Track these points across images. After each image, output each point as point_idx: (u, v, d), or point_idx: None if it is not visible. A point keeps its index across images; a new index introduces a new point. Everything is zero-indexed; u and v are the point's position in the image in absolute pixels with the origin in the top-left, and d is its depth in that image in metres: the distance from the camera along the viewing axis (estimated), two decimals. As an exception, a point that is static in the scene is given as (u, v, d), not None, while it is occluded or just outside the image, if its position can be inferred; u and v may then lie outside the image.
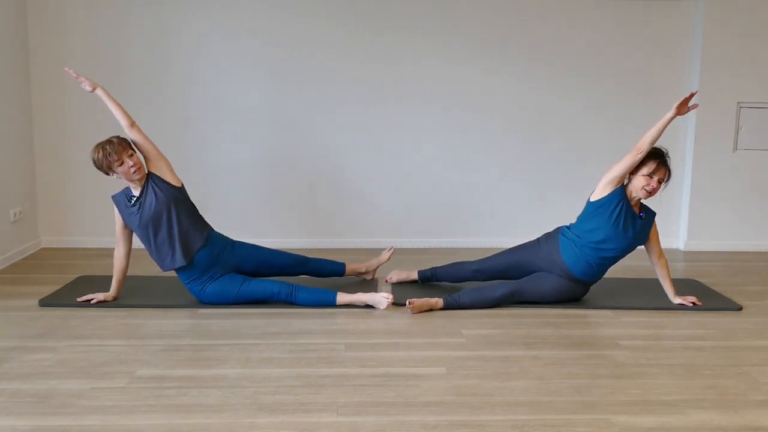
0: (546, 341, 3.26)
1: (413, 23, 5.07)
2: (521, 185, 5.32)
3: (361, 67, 5.10)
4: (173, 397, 2.61)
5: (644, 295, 3.95)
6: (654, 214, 3.79)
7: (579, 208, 5.25)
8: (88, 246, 5.09)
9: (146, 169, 3.61)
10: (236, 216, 5.15)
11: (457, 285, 4.11)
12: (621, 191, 3.66)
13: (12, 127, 4.72)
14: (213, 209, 5.16)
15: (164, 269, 3.70)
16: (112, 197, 3.67)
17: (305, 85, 5.09)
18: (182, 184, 3.71)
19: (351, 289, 3.91)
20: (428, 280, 4.14)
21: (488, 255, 4.11)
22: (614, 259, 3.72)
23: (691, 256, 5.16)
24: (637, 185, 3.64)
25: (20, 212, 4.82)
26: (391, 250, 4.24)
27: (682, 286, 4.11)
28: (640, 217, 3.72)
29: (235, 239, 3.91)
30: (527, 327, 3.47)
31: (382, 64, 5.10)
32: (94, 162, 3.52)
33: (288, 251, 4.12)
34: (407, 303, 3.64)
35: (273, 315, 3.59)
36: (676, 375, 2.89)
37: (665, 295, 3.87)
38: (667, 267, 3.84)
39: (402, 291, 3.99)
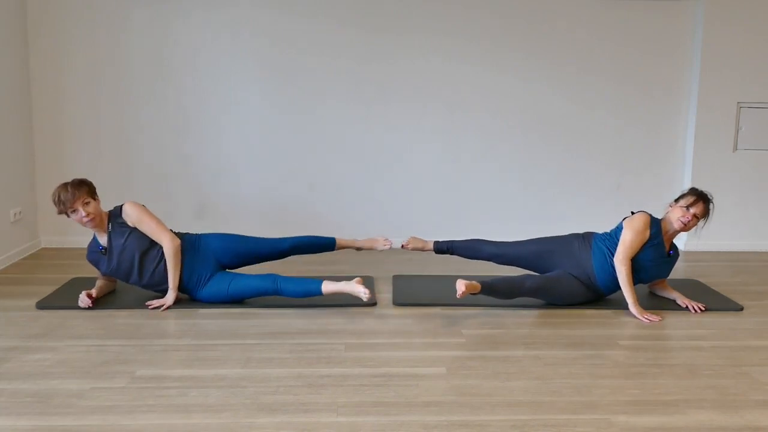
0: (546, 341, 3.26)
1: (413, 23, 5.06)
2: (522, 185, 5.32)
3: (361, 67, 5.10)
4: (173, 397, 2.61)
5: (644, 295, 3.94)
6: (678, 255, 3.81)
7: (579, 208, 5.30)
8: (88, 246, 5.09)
9: (106, 221, 3.61)
10: (236, 216, 5.14)
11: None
12: (658, 227, 3.68)
13: (12, 127, 4.72)
14: (212, 209, 5.18)
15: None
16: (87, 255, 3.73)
17: (305, 84, 5.09)
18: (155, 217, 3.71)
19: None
20: (443, 253, 4.11)
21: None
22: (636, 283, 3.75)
23: (691, 256, 5.16)
24: (673, 216, 3.66)
25: (20, 212, 4.82)
26: (388, 245, 4.08)
27: (683, 286, 4.11)
28: (669, 255, 3.74)
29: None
30: (527, 327, 3.47)
31: (382, 64, 5.10)
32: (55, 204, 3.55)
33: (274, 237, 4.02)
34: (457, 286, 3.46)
35: (273, 315, 3.58)
36: (676, 375, 2.89)
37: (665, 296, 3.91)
38: (668, 286, 3.91)
39: (406, 291, 3.99)
